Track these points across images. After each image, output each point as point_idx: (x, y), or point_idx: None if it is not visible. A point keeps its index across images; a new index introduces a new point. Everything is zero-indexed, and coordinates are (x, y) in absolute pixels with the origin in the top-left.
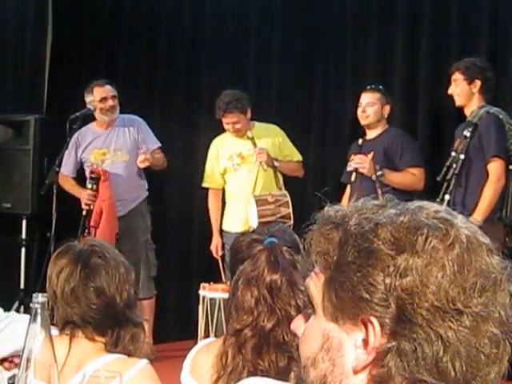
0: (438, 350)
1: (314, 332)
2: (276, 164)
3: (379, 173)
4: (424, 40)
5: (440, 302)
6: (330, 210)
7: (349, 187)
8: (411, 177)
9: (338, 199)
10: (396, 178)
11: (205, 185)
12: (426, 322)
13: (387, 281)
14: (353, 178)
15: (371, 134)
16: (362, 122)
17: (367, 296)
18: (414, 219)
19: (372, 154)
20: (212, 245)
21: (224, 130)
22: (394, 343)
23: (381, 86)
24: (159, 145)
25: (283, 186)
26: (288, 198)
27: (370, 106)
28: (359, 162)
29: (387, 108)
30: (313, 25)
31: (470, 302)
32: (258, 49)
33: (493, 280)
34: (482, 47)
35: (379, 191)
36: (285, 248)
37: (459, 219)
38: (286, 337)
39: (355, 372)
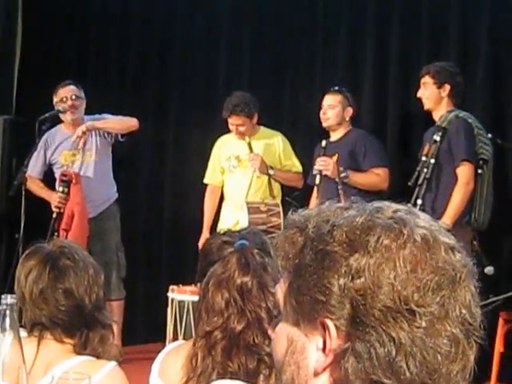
0: (390, 350)
1: (281, 337)
2: (270, 172)
3: (343, 174)
4: (393, 43)
5: (392, 303)
6: (295, 214)
7: (315, 189)
8: (375, 177)
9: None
10: (360, 179)
11: (206, 181)
12: (379, 323)
13: (341, 282)
14: (317, 180)
15: (334, 136)
16: (323, 124)
17: (323, 298)
18: (369, 220)
19: (336, 156)
20: (200, 241)
21: (226, 132)
22: (348, 344)
23: (343, 88)
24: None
25: (280, 194)
26: (280, 209)
27: (330, 109)
28: (323, 164)
29: (349, 110)
30: (283, 27)
31: (424, 301)
32: (228, 48)
33: (451, 278)
34: (451, 51)
35: (341, 193)
36: (256, 250)
37: (421, 218)
38: (256, 339)
39: (316, 374)
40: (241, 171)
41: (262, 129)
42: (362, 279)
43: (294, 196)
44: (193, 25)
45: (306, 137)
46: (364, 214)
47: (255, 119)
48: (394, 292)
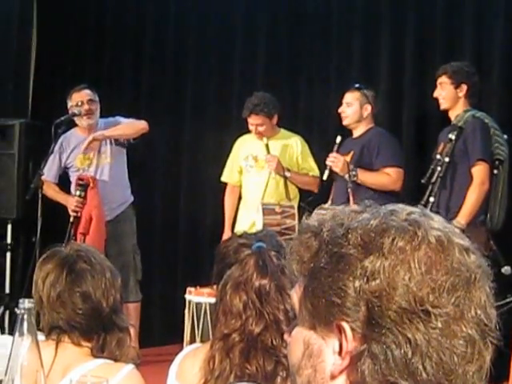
0: (406, 352)
1: (298, 340)
2: (286, 174)
3: (352, 173)
4: (409, 43)
5: (407, 304)
6: (310, 218)
7: (334, 184)
8: (385, 177)
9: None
10: (368, 179)
11: (223, 179)
12: (394, 325)
13: (356, 284)
14: (325, 176)
15: (355, 134)
16: (343, 122)
17: (338, 301)
18: (383, 222)
19: (351, 154)
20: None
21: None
22: (365, 346)
23: (363, 86)
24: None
25: (298, 197)
26: (295, 211)
27: (348, 106)
28: (333, 161)
29: (367, 108)
30: (298, 28)
31: (439, 302)
32: (243, 49)
33: (466, 279)
34: (466, 51)
35: (350, 191)
36: (273, 253)
37: (435, 221)
38: (274, 341)
39: (333, 377)
40: (257, 171)
41: (282, 131)
42: (378, 281)
43: (308, 201)
44: (207, 26)
45: (320, 137)
46: (378, 216)
47: (275, 120)
48: (409, 293)
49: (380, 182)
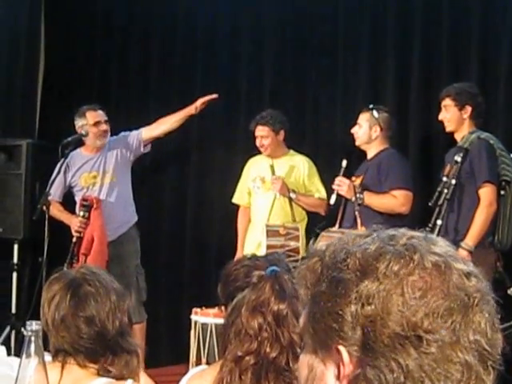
0: (398, 376)
1: (303, 364)
2: (292, 195)
3: (358, 196)
4: (415, 65)
5: (401, 329)
6: (316, 242)
7: (330, 202)
8: (392, 200)
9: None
10: (375, 202)
11: (234, 200)
12: (387, 350)
13: (352, 309)
14: (332, 200)
15: (368, 155)
16: (356, 143)
17: (336, 326)
18: (381, 247)
19: (361, 177)
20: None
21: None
22: (360, 370)
23: (375, 106)
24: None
25: (306, 219)
26: (299, 233)
27: (359, 127)
28: (338, 184)
29: (376, 129)
30: (304, 50)
31: (433, 327)
32: (250, 64)
33: (463, 303)
34: (472, 71)
35: (357, 214)
36: (286, 276)
37: (438, 245)
38: (288, 364)
39: None
40: (264, 193)
41: (291, 152)
42: (372, 306)
43: (321, 226)
44: (215, 40)
45: (327, 160)
46: (377, 241)
47: (281, 136)
48: (402, 318)
49: (386, 205)
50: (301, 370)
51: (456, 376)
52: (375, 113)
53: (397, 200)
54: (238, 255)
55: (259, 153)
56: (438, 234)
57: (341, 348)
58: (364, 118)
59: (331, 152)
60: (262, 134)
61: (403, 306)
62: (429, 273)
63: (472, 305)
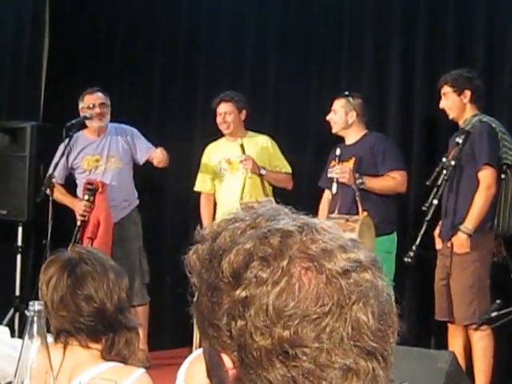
0: None
1: (205, 352)
2: (262, 172)
3: (359, 181)
4: (419, 50)
5: (268, 344)
6: (205, 227)
7: (327, 192)
8: (392, 181)
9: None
10: (376, 185)
11: (196, 188)
12: (257, 365)
13: (225, 321)
14: (334, 189)
15: (349, 140)
16: (332, 130)
17: (215, 334)
18: (251, 252)
19: (353, 160)
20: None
21: (218, 137)
22: (240, 380)
23: (349, 93)
24: (154, 148)
25: (272, 195)
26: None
27: (334, 114)
28: (339, 172)
29: (352, 115)
30: (309, 34)
31: (302, 339)
32: (254, 55)
33: (337, 304)
34: (477, 58)
35: (358, 200)
36: None
37: (317, 238)
38: None
39: None
40: (232, 174)
41: (250, 132)
42: (241, 321)
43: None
44: (217, 33)
45: (333, 139)
46: (252, 240)
47: (243, 116)
48: (268, 333)
49: (387, 187)
50: (204, 356)
51: (336, 381)
52: (351, 99)
53: (396, 180)
54: None
55: (214, 139)
56: (433, 214)
57: (223, 356)
58: (339, 105)
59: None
60: (226, 110)
61: (269, 319)
62: (297, 280)
63: (349, 303)
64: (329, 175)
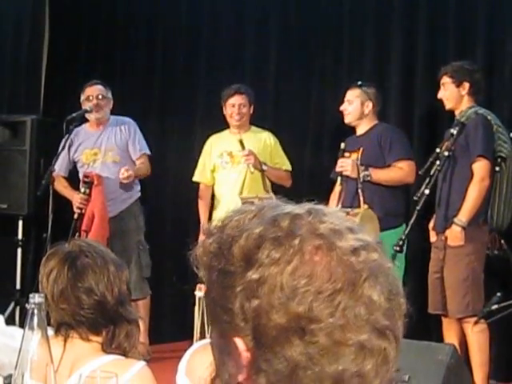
0: (285, 368)
1: (213, 345)
2: (264, 168)
3: (364, 173)
4: (421, 41)
5: (285, 321)
6: (213, 221)
7: (338, 185)
8: (399, 171)
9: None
10: (383, 176)
11: (195, 179)
12: (274, 343)
13: (239, 303)
14: (338, 182)
15: (359, 131)
16: (345, 121)
17: (228, 318)
18: (262, 233)
19: (358, 152)
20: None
21: (221, 129)
22: (256, 362)
23: (364, 83)
24: (145, 151)
25: (271, 191)
26: None
27: (349, 104)
28: (342, 166)
29: (368, 105)
30: (309, 32)
31: (318, 316)
32: (255, 49)
33: (350, 281)
34: (477, 50)
35: (360, 192)
36: None
37: (324, 221)
38: None
39: None
40: (234, 168)
41: (253, 127)
42: (256, 300)
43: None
44: (219, 26)
45: (333, 134)
46: (262, 224)
47: (251, 110)
48: (285, 310)
49: (394, 178)
50: (212, 346)
51: (349, 357)
52: (367, 89)
53: (403, 171)
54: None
55: (218, 131)
56: (424, 204)
57: (236, 340)
58: (354, 95)
59: (336, 128)
60: (241, 101)
61: (284, 297)
62: (309, 258)
63: (360, 280)
64: (337, 169)
